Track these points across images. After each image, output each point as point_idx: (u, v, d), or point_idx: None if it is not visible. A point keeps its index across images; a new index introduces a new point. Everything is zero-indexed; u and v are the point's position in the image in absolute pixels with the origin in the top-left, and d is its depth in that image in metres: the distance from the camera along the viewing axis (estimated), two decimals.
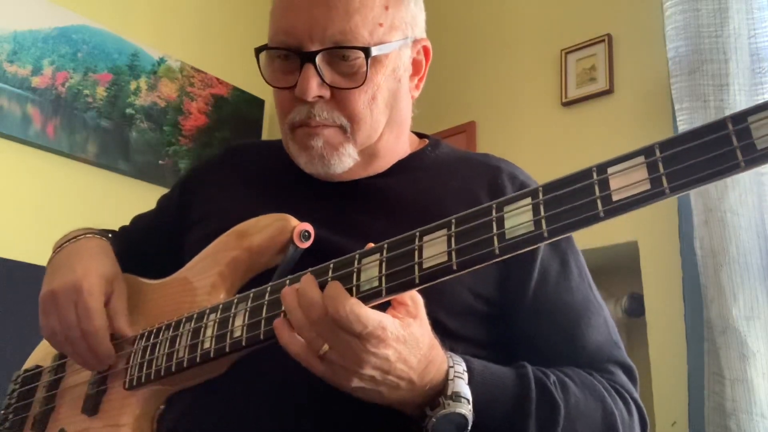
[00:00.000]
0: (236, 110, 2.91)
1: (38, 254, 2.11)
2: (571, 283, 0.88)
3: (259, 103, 2.98)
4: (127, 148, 2.54)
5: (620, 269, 2.01)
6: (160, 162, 2.63)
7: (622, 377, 0.86)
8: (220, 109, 2.85)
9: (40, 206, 2.28)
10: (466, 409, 0.69)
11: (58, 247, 1.01)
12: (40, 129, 2.31)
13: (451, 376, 0.70)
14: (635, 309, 1.99)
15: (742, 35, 1.72)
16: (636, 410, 0.84)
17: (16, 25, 2.31)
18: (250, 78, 2.92)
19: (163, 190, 2.49)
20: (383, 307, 0.68)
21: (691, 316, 1.75)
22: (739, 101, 1.68)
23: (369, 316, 0.64)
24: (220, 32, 2.92)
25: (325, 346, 0.66)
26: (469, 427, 0.70)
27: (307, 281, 0.68)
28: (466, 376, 0.71)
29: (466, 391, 0.70)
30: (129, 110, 2.57)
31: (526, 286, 0.85)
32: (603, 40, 2.16)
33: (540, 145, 2.24)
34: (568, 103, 2.21)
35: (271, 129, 3.02)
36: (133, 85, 2.60)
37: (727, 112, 1.66)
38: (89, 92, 2.47)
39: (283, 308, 0.70)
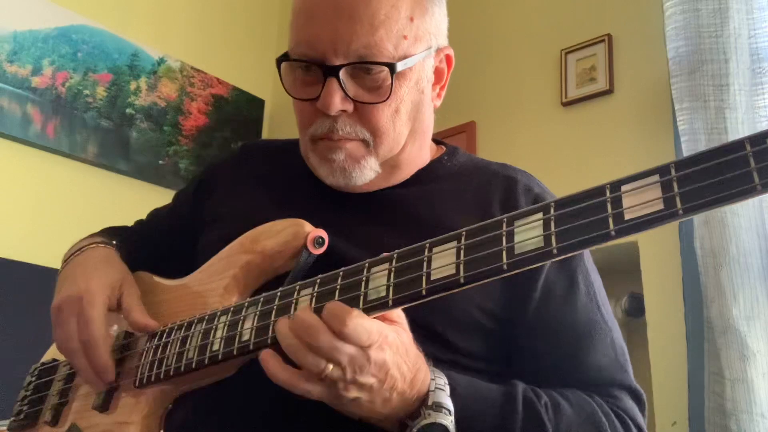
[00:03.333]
0: (236, 110, 2.91)
1: (38, 254, 2.12)
2: (576, 302, 0.86)
3: (259, 103, 2.99)
4: (127, 148, 2.55)
5: (620, 269, 2.01)
6: (160, 162, 2.64)
7: (628, 402, 0.84)
8: (220, 109, 2.86)
9: (40, 206, 2.28)
10: (448, 421, 0.68)
11: (65, 261, 1.02)
12: (40, 129, 2.31)
13: (432, 388, 0.70)
14: (635, 309, 1.98)
15: (742, 35, 1.72)
16: None
17: (16, 25, 2.31)
18: (250, 78, 2.92)
19: (163, 190, 2.54)
20: None
21: (691, 316, 1.75)
22: (739, 101, 1.68)
23: (372, 325, 0.64)
24: (220, 32, 2.92)
25: (329, 367, 0.65)
26: None
27: (302, 309, 0.68)
28: (447, 389, 0.71)
29: (447, 403, 0.69)
30: (129, 110, 2.58)
31: (528, 302, 0.84)
32: (603, 40, 2.15)
33: (540, 145, 2.24)
34: (568, 103, 2.21)
35: (271, 129, 3.02)
36: (133, 85, 2.60)
37: (727, 113, 1.67)
38: (89, 92, 2.47)
39: (292, 313, 0.71)
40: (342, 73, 0.82)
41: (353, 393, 0.66)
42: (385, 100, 0.84)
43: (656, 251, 1.88)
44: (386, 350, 0.65)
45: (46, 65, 2.37)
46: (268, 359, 0.67)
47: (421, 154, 0.96)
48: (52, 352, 1.06)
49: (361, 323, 0.63)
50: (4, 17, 2.28)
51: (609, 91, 2.11)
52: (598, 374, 0.84)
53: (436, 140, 1.04)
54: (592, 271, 0.91)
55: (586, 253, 0.91)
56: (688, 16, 1.79)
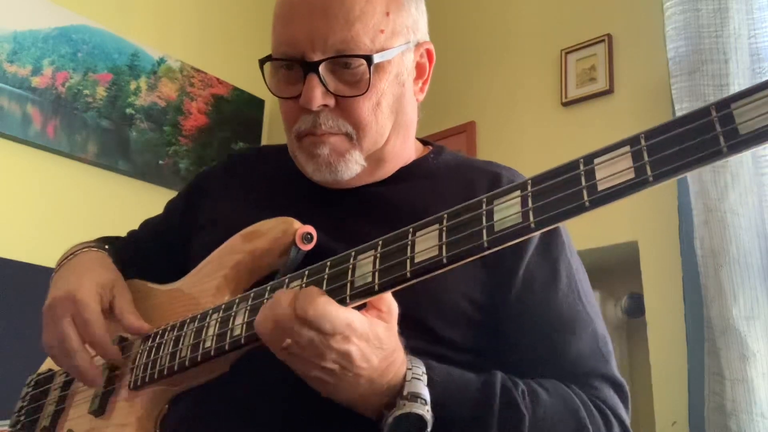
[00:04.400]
0: (236, 110, 2.91)
1: (38, 254, 2.12)
2: (557, 293, 0.86)
3: (259, 103, 2.99)
4: (127, 148, 2.55)
5: (620, 269, 2.01)
6: (160, 162, 2.64)
7: (607, 392, 0.84)
8: (220, 109, 2.86)
9: (40, 206, 2.28)
10: (423, 410, 0.69)
11: (59, 265, 1.02)
12: (40, 129, 2.31)
13: (408, 378, 0.70)
14: (635, 309, 1.99)
15: (742, 35, 1.72)
16: (619, 428, 0.82)
17: (16, 25, 2.31)
18: (250, 78, 2.92)
19: (163, 190, 2.55)
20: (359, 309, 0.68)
21: (691, 316, 1.75)
22: None
23: (338, 315, 0.64)
24: (220, 32, 2.92)
25: (287, 341, 0.66)
26: (429, 430, 0.69)
27: (291, 290, 0.69)
28: (425, 378, 0.71)
29: (423, 392, 0.70)
30: (129, 110, 2.58)
31: (508, 291, 0.85)
32: (603, 40, 2.16)
33: (540, 145, 2.24)
34: (568, 103, 2.21)
35: (270, 129, 3.02)
36: (133, 85, 2.60)
37: None
38: (89, 92, 2.47)
39: None
40: (321, 69, 0.84)
41: (315, 372, 0.67)
42: (364, 93, 0.85)
43: (656, 251, 1.88)
44: (352, 341, 0.66)
45: (46, 65, 2.37)
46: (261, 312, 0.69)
47: (405, 148, 0.97)
48: (49, 363, 1.06)
49: (324, 313, 0.64)
50: (4, 17, 2.28)
51: (609, 91, 2.11)
52: (579, 364, 0.84)
53: (424, 141, 1.05)
54: (574, 262, 0.91)
55: (569, 245, 0.92)
56: (688, 16, 1.80)
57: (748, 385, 1.51)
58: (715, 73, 1.71)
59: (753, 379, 1.52)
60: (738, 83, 1.69)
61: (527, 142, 2.29)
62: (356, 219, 0.90)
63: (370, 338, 0.67)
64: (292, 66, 0.87)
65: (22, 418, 1.00)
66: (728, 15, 1.73)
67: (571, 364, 0.84)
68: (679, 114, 1.74)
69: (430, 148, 1.03)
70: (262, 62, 0.90)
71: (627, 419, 0.85)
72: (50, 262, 1.06)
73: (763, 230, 1.63)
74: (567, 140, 2.18)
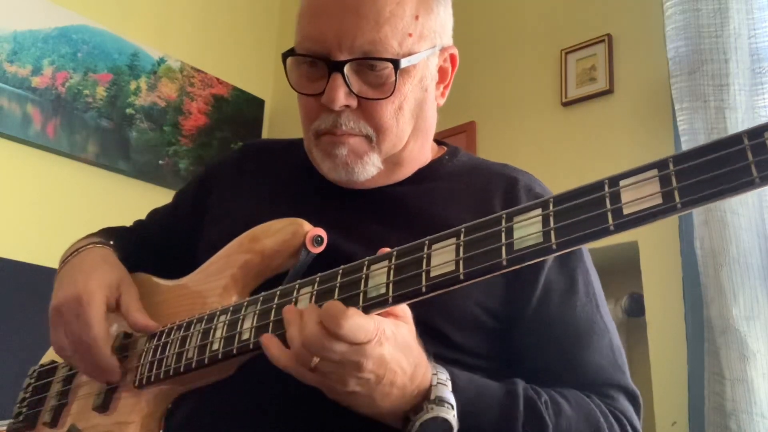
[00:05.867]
0: (236, 110, 2.91)
1: (38, 254, 2.12)
2: (575, 302, 0.86)
3: (259, 103, 2.99)
4: (127, 148, 2.55)
5: (620, 269, 2.01)
6: (160, 162, 2.64)
7: (624, 403, 0.84)
8: (220, 109, 2.86)
9: (40, 206, 2.28)
10: (450, 415, 0.68)
11: (63, 262, 1.02)
12: (40, 129, 2.32)
13: (434, 382, 0.70)
14: (635, 309, 1.98)
15: (742, 35, 1.72)
16: None
17: (16, 25, 2.31)
18: (250, 78, 2.92)
19: (162, 190, 2.55)
20: None
21: (691, 316, 1.75)
22: (739, 101, 1.68)
23: (369, 322, 0.64)
24: (220, 32, 2.92)
25: (315, 359, 0.65)
26: None
27: (311, 307, 0.68)
28: (449, 384, 0.71)
29: (449, 398, 0.69)
30: (129, 110, 2.58)
31: (527, 302, 0.84)
32: (603, 40, 2.15)
33: (540, 145, 2.24)
34: (568, 103, 2.21)
35: (271, 129, 3.02)
36: (133, 85, 2.60)
37: (727, 113, 1.67)
38: (89, 92, 2.47)
39: None
40: (346, 69, 0.83)
41: (351, 386, 0.66)
42: (388, 97, 0.85)
43: (656, 251, 1.88)
44: (384, 345, 0.65)
45: (46, 65, 2.37)
46: (269, 343, 0.68)
47: (423, 152, 0.97)
48: (51, 354, 1.05)
49: (356, 322, 0.63)
50: (4, 17, 2.28)
51: (609, 91, 2.11)
52: (596, 374, 0.84)
53: (438, 141, 1.04)
54: (591, 271, 0.91)
55: (586, 254, 0.91)
56: (688, 16, 1.79)
57: (748, 385, 1.51)
58: (715, 73, 1.71)
59: (753, 379, 1.52)
60: (738, 83, 1.69)
61: (527, 142, 2.29)
62: (370, 220, 0.89)
63: (398, 341, 0.66)
64: (315, 62, 0.86)
65: (24, 409, 1.00)
66: (728, 15, 1.72)
67: (590, 374, 0.84)
68: (679, 114, 1.76)
69: (445, 149, 1.02)
70: (285, 56, 0.88)
71: (640, 430, 0.85)
72: (50, 262, 1.06)
73: (763, 230, 1.63)
74: (567, 140, 2.17)
